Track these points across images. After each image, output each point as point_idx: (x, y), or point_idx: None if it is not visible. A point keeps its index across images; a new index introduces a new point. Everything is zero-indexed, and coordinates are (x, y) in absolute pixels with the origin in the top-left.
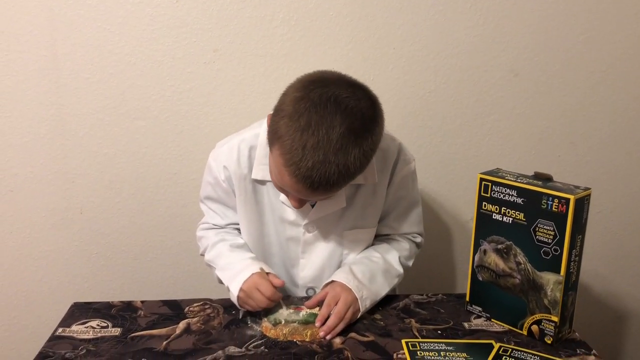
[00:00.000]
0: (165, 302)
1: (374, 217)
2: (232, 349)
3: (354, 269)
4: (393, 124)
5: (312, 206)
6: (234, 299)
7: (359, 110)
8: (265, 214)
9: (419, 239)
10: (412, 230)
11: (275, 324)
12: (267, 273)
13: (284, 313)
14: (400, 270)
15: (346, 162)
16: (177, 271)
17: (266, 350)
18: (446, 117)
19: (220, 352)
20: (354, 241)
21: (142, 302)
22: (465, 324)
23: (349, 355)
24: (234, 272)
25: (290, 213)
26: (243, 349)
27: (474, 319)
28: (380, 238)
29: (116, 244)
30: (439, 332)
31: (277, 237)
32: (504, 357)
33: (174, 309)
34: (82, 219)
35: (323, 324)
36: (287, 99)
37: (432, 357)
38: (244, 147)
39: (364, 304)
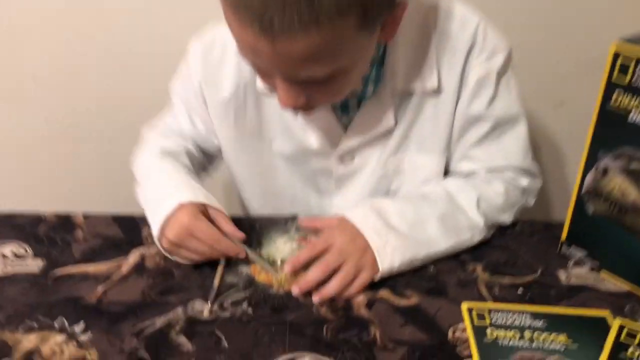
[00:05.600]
0: (118, 219)
1: (437, 140)
2: (198, 306)
3: (383, 206)
4: None
5: (346, 128)
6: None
7: None
8: (276, 139)
9: (524, 182)
10: (508, 164)
11: (271, 263)
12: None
13: (283, 247)
14: (477, 219)
15: None
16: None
17: (249, 311)
18: None
19: (179, 309)
20: (409, 173)
21: (85, 216)
22: (561, 275)
23: (377, 334)
24: (162, 196)
25: (314, 139)
26: (214, 308)
27: (573, 266)
28: (458, 176)
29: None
30: (520, 289)
31: (295, 172)
32: (630, 348)
33: (128, 231)
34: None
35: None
36: None
37: (511, 342)
38: None
39: (388, 260)
